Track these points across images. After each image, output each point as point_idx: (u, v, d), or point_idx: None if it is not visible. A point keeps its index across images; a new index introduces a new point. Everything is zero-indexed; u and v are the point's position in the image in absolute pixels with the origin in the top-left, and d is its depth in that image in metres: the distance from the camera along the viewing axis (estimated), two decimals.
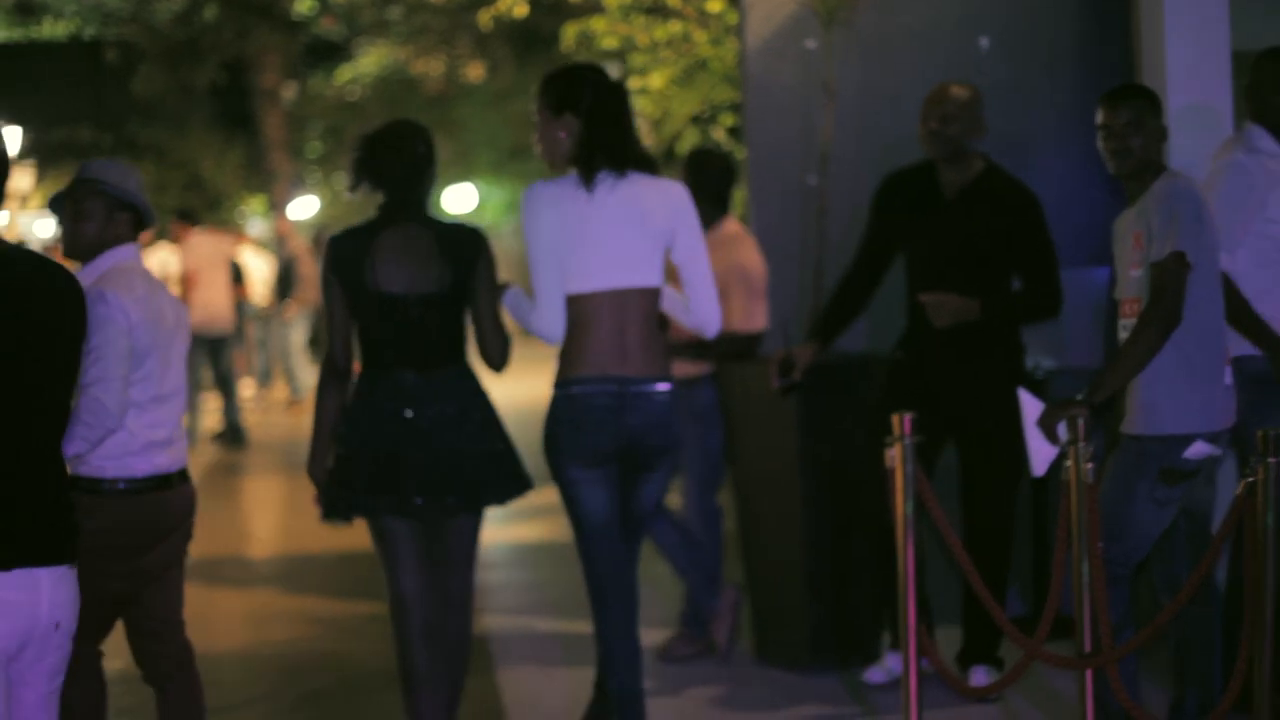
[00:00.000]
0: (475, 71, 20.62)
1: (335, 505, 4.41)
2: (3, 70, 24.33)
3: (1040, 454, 4.40)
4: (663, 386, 4.35)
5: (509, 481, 4.45)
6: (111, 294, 3.91)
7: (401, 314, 4.32)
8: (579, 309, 4.29)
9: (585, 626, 6.35)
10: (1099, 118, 4.42)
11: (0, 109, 21.21)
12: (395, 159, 4.38)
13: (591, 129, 4.29)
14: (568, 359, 4.34)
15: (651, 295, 4.35)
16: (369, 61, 23.60)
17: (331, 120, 23.15)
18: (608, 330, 4.29)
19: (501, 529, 8.75)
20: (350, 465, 4.35)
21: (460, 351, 4.43)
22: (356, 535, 6.74)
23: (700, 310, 4.43)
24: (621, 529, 4.42)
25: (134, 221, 4.09)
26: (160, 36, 21.25)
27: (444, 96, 22.95)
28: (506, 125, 23.58)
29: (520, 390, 16.80)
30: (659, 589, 6.86)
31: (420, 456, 4.31)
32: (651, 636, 6.04)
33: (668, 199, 4.35)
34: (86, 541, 3.52)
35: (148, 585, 4.13)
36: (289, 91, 23.58)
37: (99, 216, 4.04)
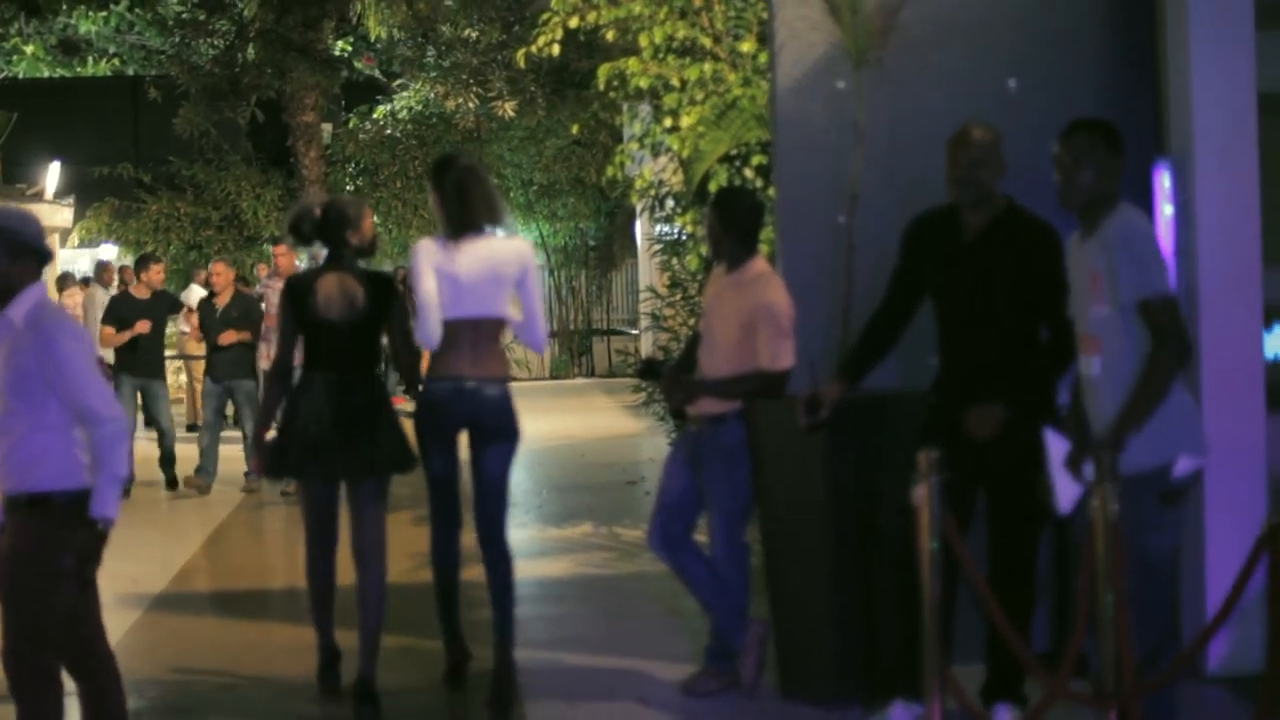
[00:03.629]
0: (507, 109, 20.72)
1: (275, 469, 5.98)
2: (45, 107, 24.63)
3: (1066, 493, 4.44)
4: (495, 386, 5.79)
5: (399, 458, 5.90)
6: (67, 321, 4.44)
7: (339, 336, 5.87)
8: (446, 330, 5.75)
9: (614, 660, 6.39)
10: (1053, 150, 4.58)
11: (42, 145, 21.47)
12: (338, 226, 6.00)
13: (451, 204, 5.80)
14: (433, 365, 5.82)
15: (497, 322, 5.83)
16: (406, 99, 23.79)
17: (368, 158, 23.30)
18: (464, 345, 5.75)
19: (528, 564, 8.77)
20: (290, 440, 5.84)
21: (373, 361, 6.02)
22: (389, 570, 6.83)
23: (530, 334, 5.92)
24: (479, 497, 5.85)
25: (37, 263, 4.53)
26: (201, 75, 21.47)
27: (478, 134, 23.10)
28: (538, 163, 23.72)
29: (555, 425, 16.87)
30: (685, 624, 6.88)
31: (339, 436, 5.78)
32: (678, 672, 6.06)
33: (515, 254, 5.86)
34: (50, 550, 4.33)
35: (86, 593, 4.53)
36: (326, 129, 23.76)
37: (3, 260, 4.46)
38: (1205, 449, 4.52)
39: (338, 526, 6.04)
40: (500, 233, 5.91)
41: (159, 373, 12.06)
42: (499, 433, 5.80)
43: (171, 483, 12.14)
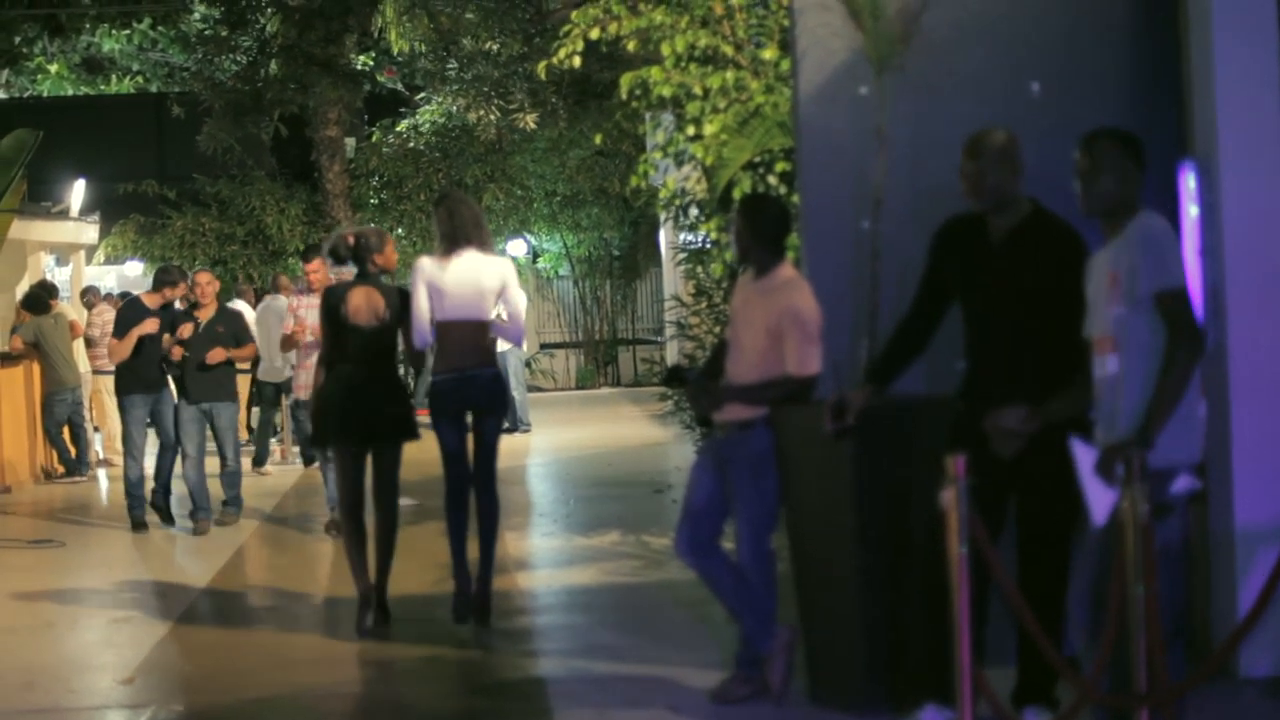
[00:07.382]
0: (529, 121, 20.76)
1: (316, 440, 7.82)
2: (70, 125, 24.75)
3: (1100, 502, 4.40)
4: (487, 371, 7.28)
5: (408, 431, 7.48)
6: None
7: (363, 336, 7.44)
8: (442, 330, 7.29)
9: (643, 668, 6.40)
10: (1075, 157, 4.62)
11: (67, 163, 21.58)
12: (365, 251, 7.57)
13: (443, 225, 7.37)
14: (438, 358, 7.31)
15: (483, 324, 7.35)
16: (428, 112, 23.84)
17: (392, 171, 23.36)
18: (456, 342, 7.27)
19: (555, 573, 8.79)
20: (326, 415, 7.43)
21: (391, 356, 7.59)
22: (410, 581, 6.86)
23: (512, 333, 7.76)
24: (476, 455, 7.29)
25: None
26: (224, 91, 21.57)
27: (500, 145, 23.14)
28: (561, 174, 23.75)
29: (581, 435, 16.87)
30: (714, 631, 6.88)
31: (364, 412, 7.37)
32: (707, 679, 6.06)
33: (495, 268, 7.39)
34: None
35: None
36: (350, 143, 23.84)
37: None
38: (1201, 466, 4.52)
39: (364, 483, 7.50)
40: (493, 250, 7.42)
41: (165, 387, 11.15)
42: (492, 409, 7.33)
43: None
